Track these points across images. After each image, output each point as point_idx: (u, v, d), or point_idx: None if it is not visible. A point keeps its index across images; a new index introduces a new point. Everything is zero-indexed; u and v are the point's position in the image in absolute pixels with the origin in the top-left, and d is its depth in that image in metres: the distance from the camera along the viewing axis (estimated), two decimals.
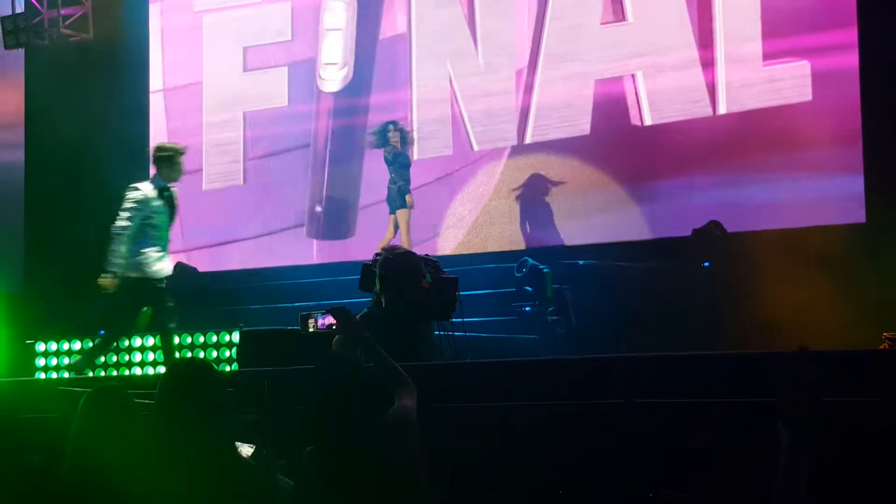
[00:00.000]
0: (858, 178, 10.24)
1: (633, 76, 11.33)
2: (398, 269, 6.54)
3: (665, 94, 11.19)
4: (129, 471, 3.77)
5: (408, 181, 11.26)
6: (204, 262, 13.17)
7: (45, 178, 14.15)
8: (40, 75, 14.33)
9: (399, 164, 11.33)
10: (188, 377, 3.97)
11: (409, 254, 6.77)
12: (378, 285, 6.57)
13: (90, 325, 11.16)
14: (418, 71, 12.48)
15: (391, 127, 11.36)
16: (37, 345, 8.65)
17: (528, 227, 11.85)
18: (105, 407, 4.00)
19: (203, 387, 3.94)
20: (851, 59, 10.35)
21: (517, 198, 11.90)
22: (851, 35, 10.36)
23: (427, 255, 7.50)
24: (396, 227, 11.31)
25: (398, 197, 11.26)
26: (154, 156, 9.15)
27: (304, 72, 13.19)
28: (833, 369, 4.65)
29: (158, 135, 13.94)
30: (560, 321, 9.87)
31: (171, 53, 14.01)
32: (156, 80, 14.05)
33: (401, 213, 11.24)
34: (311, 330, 4.84)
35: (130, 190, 8.85)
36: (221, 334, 8.53)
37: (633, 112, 11.34)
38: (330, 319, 4.76)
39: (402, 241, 11.25)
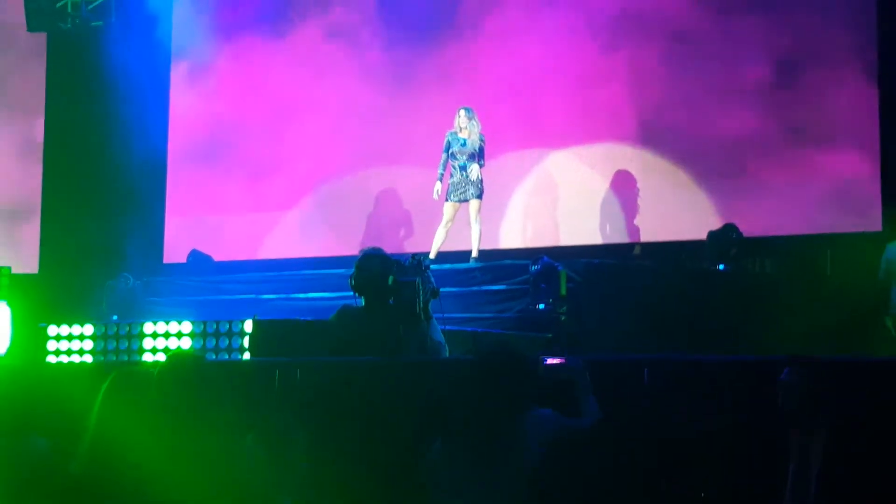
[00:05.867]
0: (876, 186, 10.27)
1: None
2: (366, 271, 6.60)
3: None
4: (145, 458, 3.82)
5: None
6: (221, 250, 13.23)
7: (64, 161, 14.19)
8: (62, 59, 14.36)
9: (480, 149, 11.10)
10: (179, 370, 4.03)
11: (376, 256, 6.74)
12: (351, 283, 6.62)
13: (103, 308, 11.21)
14: None
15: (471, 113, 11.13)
16: (49, 328, 8.64)
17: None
18: (127, 393, 4.05)
19: (195, 379, 3.99)
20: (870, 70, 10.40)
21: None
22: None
23: (414, 254, 7.46)
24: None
25: (480, 183, 11.04)
26: None
27: None
28: (841, 376, 4.63)
29: (179, 121, 14.02)
30: (572, 320, 9.84)
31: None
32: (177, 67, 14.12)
33: (475, 203, 11.04)
34: None
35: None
36: (234, 323, 8.52)
37: None
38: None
39: (473, 232, 11.08)
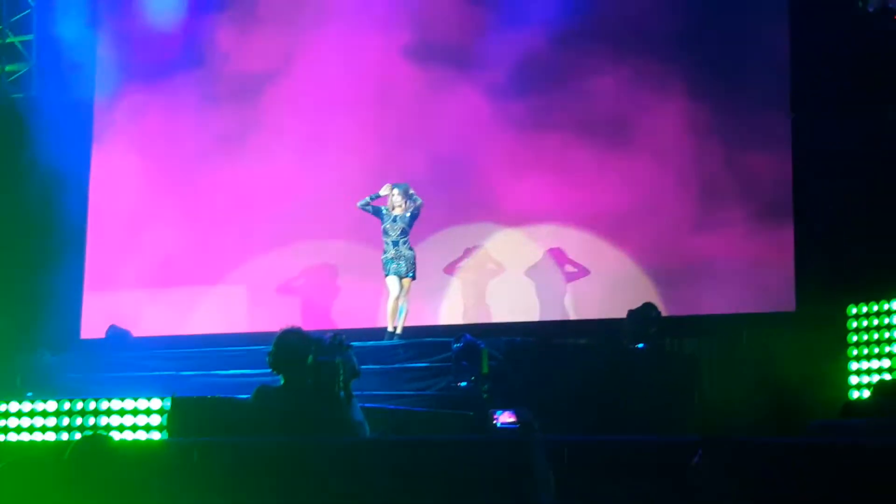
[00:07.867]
0: (789, 268, 10.51)
1: None
2: (284, 349, 6.59)
3: None
4: None
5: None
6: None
7: None
8: None
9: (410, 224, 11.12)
10: (84, 457, 4.00)
11: (294, 334, 6.73)
12: (269, 361, 6.59)
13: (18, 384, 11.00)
14: None
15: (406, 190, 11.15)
16: None
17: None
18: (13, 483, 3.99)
19: (99, 465, 3.96)
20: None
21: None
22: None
23: (336, 333, 7.43)
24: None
25: (413, 262, 11.08)
26: None
27: None
28: (755, 457, 4.69)
29: (98, 195, 13.91)
30: (494, 399, 9.85)
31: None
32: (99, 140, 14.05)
33: (407, 281, 11.06)
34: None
35: None
36: (151, 400, 8.38)
37: None
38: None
39: (400, 310, 11.05)
